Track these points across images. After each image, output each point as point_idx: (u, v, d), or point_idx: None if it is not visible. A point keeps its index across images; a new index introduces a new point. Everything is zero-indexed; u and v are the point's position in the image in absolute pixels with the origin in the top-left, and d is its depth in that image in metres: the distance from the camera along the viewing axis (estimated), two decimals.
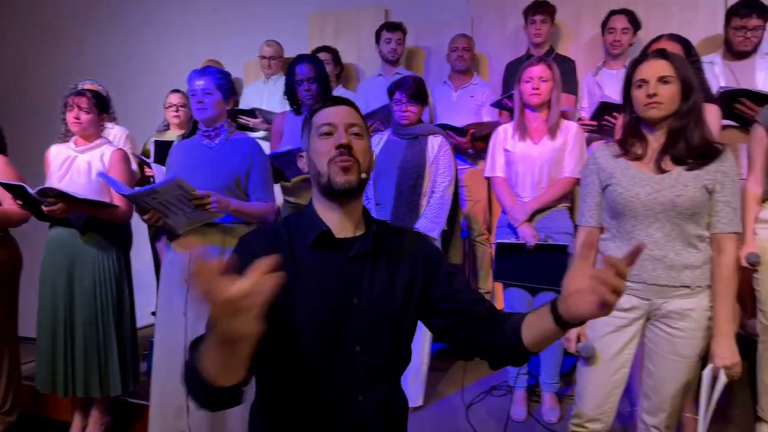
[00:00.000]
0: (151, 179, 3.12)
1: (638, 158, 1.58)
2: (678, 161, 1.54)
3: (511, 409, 2.45)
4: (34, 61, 4.99)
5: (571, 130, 2.37)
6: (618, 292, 0.85)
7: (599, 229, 1.68)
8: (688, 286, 1.54)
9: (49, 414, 2.84)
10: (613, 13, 3.08)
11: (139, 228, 2.96)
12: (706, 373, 1.51)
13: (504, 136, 2.48)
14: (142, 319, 2.83)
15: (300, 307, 1.07)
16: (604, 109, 2.58)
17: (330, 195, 1.12)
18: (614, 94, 2.48)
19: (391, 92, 2.56)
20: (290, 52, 3.83)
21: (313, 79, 2.55)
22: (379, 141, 2.61)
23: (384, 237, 1.17)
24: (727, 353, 1.52)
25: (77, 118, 2.41)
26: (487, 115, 3.29)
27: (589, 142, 2.82)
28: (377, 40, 3.47)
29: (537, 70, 2.31)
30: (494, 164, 2.49)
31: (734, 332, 1.56)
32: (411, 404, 2.25)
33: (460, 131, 3.01)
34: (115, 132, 3.17)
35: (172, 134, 3.36)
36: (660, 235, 1.54)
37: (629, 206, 1.56)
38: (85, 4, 4.87)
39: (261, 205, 2.18)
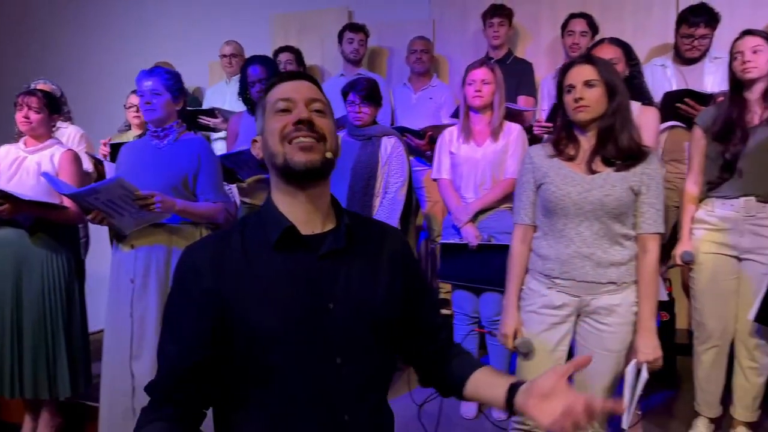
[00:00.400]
0: None
1: (571, 159, 1.62)
2: (608, 162, 1.59)
3: (461, 408, 2.48)
4: None
5: (513, 132, 2.41)
6: (578, 428, 0.86)
7: (533, 227, 1.72)
8: (614, 283, 1.59)
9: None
10: (572, 16, 3.13)
11: (101, 230, 2.94)
12: (630, 367, 1.55)
13: (449, 138, 2.52)
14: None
15: (263, 319, 0.93)
16: (558, 110, 2.62)
17: (289, 179, 0.97)
18: None
19: (345, 93, 2.58)
20: (255, 53, 3.83)
21: (266, 80, 2.56)
22: None
23: (359, 230, 1.03)
24: (649, 348, 1.57)
25: (26, 118, 2.39)
26: (446, 117, 3.32)
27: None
28: (340, 41, 3.49)
29: (479, 73, 2.35)
30: (440, 166, 2.53)
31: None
32: None
33: (418, 134, 3.04)
34: (69, 131, 3.15)
35: (133, 134, 3.34)
36: (588, 234, 1.58)
37: (561, 205, 1.60)
38: (48, 4, 4.81)
39: (209, 205, 2.18)
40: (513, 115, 2.76)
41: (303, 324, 0.94)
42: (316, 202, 0.99)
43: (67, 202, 2.33)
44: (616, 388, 1.63)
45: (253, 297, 0.94)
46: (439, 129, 3.13)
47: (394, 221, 2.50)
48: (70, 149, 2.47)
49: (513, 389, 0.95)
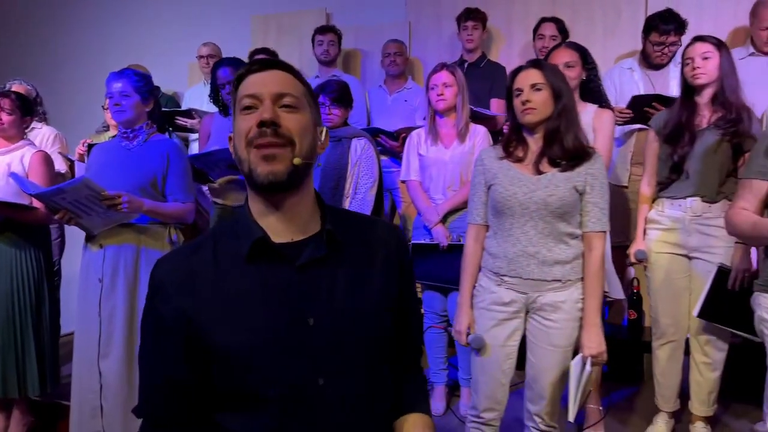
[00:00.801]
0: None
1: (520, 161, 1.68)
2: (554, 163, 1.64)
3: (430, 404, 2.53)
4: None
5: (479, 134, 2.46)
6: None
7: (485, 227, 1.77)
8: (559, 280, 1.64)
9: None
10: (543, 20, 3.19)
11: (78, 231, 2.96)
12: (574, 362, 1.60)
13: (417, 140, 2.56)
14: None
15: (234, 340, 0.86)
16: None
17: (256, 189, 0.89)
18: None
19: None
20: (235, 54, 3.86)
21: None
22: None
23: (346, 233, 0.93)
24: (594, 343, 1.62)
25: None
26: (421, 119, 3.36)
27: None
28: (312, 44, 3.53)
29: (440, 77, 2.40)
30: (409, 168, 2.57)
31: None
32: None
33: (393, 135, 3.08)
34: (44, 132, 3.17)
35: (110, 135, 3.35)
36: (534, 233, 1.63)
37: (507, 205, 1.65)
38: (27, 5, 4.81)
39: (177, 205, 2.20)
40: (485, 119, 2.82)
41: (278, 343, 0.86)
42: (293, 210, 0.91)
43: (36, 203, 2.35)
44: (564, 382, 1.67)
45: (223, 316, 0.87)
46: (412, 131, 3.18)
47: None
48: (40, 150, 2.49)
49: None
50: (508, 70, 3.43)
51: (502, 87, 3.35)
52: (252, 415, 0.87)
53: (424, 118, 3.10)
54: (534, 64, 1.66)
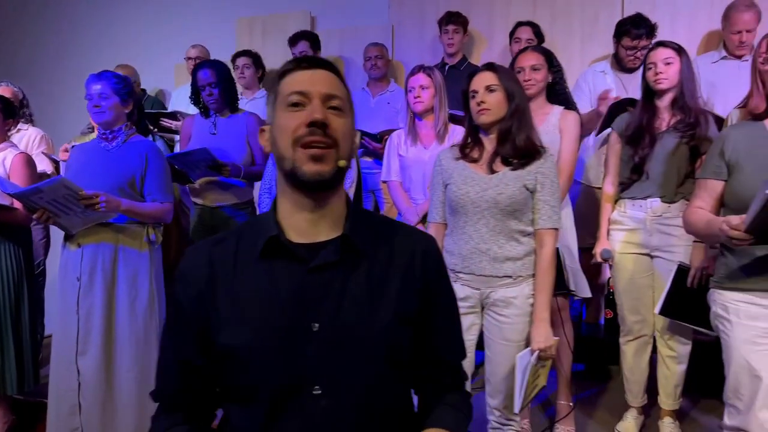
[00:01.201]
0: None
1: (475, 161, 1.74)
2: (506, 162, 1.70)
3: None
4: None
5: (458, 134, 2.50)
6: None
7: (444, 225, 1.84)
8: (510, 276, 1.69)
9: None
10: (519, 24, 3.25)
11: (63, 233, 2.99)
12: (520, 355, 1.64)
13: (398, 141, 2.61)
14: None
15: (236, 334, 0.87)
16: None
17: (296, 186, 0.88)
18: None
19: None
20: (221, 56, 3.89)
21: (215, 84, 2.64)
22: None
23: (369, 240, 0.92)
24: (542, 337, 1.67)
25: None
26: (404, 122, 3.41)
27: None
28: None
29: (417, 79, 2.45)
30: (389, 169, 2.62)
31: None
32: None
33: (376, 137, 3.13)
34: (29, 133, 3.20)
35: (94, 136, 3.38)
36: (485, 230, 1.69)
37: (461, 203, 1.71)
38: (15, 6, 4.84)
39: (155, 205, 2.24)
40: (464, 121, 2.86)
41: (278, 344, 0.85)
42: (323, 210, 0.90)
43: (17, 203, 2.38)
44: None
45: (232, 309, 0.88)
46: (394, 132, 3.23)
47: None
48: (22, 152, 2.52)
49: None
50: None
51: None
52: (245, 410, 0.89)
53: None
54: (489, 67, 1.73)
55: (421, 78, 2.45)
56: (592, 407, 2.58)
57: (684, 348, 2.18)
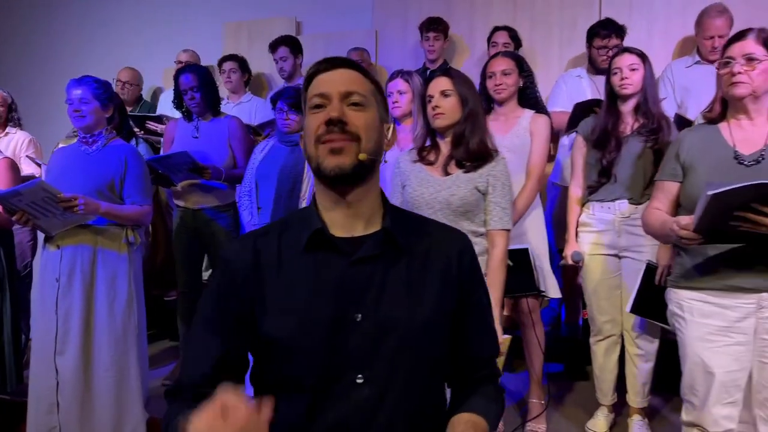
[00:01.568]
0: None
1: (431, 163, 1.80)
2: (460, 165, 1.76)
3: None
4: None
5: None
6: None
7: None
8: None
9: None
10: (496, 29, 3.30)
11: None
12: None
13: None
14: None
15: (281, 325, 0.89)
16: None
17: (323, 182, 0.92)
18: None
19: (273, 101, 2.71)
20: (208, 60, 3.96)
21: (197, 88, 2.68)
22: (264, 147, 2.75)
23: (408, 237, 0.94)
24: None
25: None
26: None
27: None
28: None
29: (395, 84, 2.50)
30: None
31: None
32: None
33: None
34: (18, 137, 3.25)
35: None
36: None
37: (416, 205, 1.78)
38: (3, 9, 4.89)
39: (134, 208, 2.29)
40: None
41: (323, 334, 0.88)
42: (357, 205, 0.93)
43: None
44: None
45: (276, 300, 0.91)
46: None
47: None
48: (6, 157, 2.56)
49: None
50: (471, 77, 3.57)
51: None
52: (289, 399, 0.89)
53: None
54: (444, 72, 1.80)
55: (399, 83, 2.50)
56: (565, 406, 2.62)
57: (651, 346, 2.22)
